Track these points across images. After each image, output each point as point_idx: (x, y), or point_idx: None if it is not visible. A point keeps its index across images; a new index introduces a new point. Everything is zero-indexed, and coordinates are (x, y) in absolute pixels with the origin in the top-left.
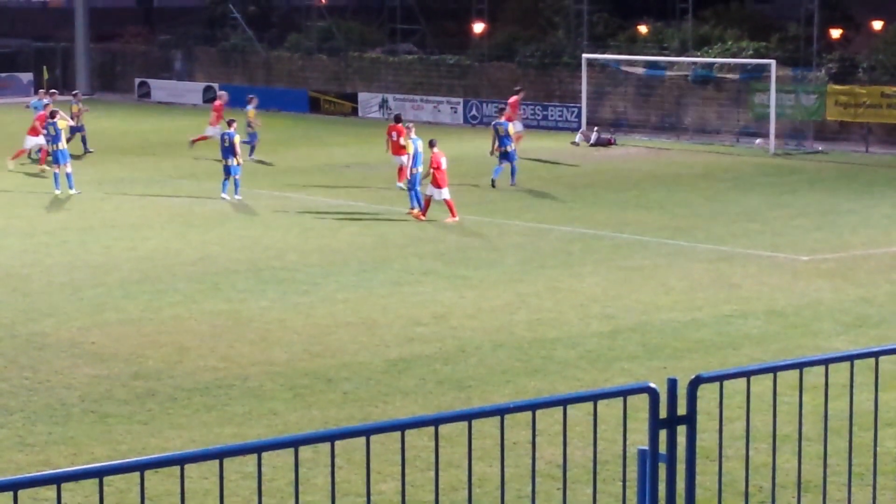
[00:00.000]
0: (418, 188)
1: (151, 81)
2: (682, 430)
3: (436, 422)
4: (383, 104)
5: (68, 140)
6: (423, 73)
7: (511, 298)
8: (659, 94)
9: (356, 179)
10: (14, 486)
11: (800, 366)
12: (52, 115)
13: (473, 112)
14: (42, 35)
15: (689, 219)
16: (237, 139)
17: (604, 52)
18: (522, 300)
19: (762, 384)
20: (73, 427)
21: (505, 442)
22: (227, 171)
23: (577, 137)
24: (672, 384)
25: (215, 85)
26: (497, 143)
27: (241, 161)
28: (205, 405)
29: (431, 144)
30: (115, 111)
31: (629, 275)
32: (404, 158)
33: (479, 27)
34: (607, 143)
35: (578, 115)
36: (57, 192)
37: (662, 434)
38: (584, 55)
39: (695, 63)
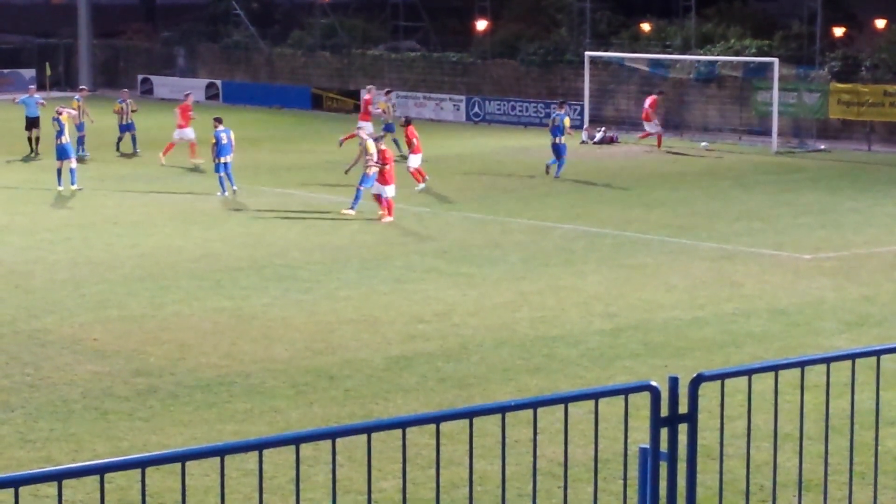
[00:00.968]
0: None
1: (154, 78)
2: (683, 429)
3: (437, 419)
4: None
5: (119, 140)
6: (425, 71)
7: (513, 296)
8: (661, 91)
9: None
10: (15, 483)
11: (801, 364)
12: (59, 111)
13: (476, 109)
14: (45, 31)
15: (692, 217)
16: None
17: (607, 50)
18: (524, 298)
19: (764, 383)
20: (74, 424)
21: (506, 440)
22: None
23: (584, 136)
24: (673, 382)
25: (218, 81)
26: (551, 135)
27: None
28: (206, 402)
29: (377, 140)
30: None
31: (631, 273)
32: (417, 158)
33: (482, 24)
34: (610, 141)
35: (581, 113)
36: (59, 188)
37: (664, 432)
38: (587, 53)
39: (698, 61)
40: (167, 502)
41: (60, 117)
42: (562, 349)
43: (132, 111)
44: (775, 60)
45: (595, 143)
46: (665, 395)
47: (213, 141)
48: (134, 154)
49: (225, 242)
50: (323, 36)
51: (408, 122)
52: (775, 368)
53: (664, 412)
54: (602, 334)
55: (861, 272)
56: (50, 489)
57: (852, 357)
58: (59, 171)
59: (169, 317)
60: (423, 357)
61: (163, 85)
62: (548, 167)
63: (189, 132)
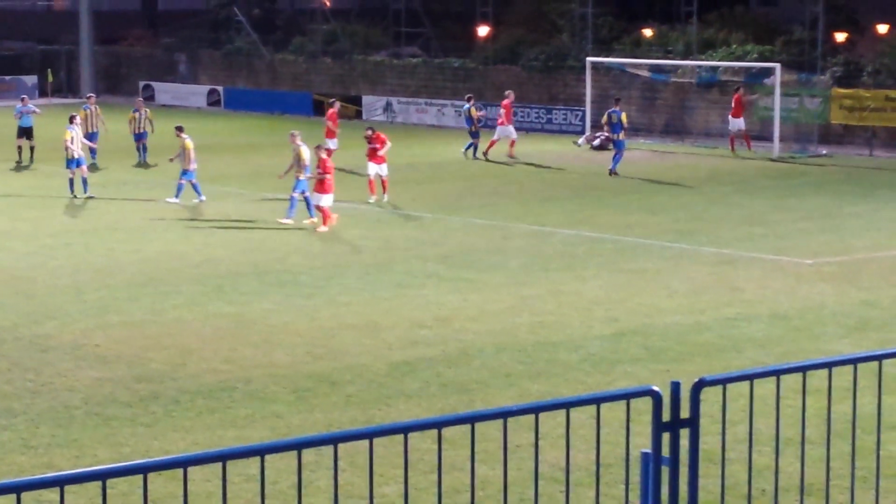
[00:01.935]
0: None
1: (156, 84)
2: (685, 433)
3: (439, 424)
4: (388, 107)
5: (143, 147)
6: (427, 77)
7: (514, 301)
8: (663, 97)
9: (359, 182)
10: (17, 489)
11: (803, 369)
12: (71, 119)
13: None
14: (47, 38)
15: (693, 222)
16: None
17: (608, 56)
18: (525, 303)
19: (765, 387)
20: (76, 429)
21: (508, 445)
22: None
23: (581, 140)
24: (675, 387)
25: (219, 88)
26: (609, 131)
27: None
28: (208, 408)
29: (318, 148)
30: (119, 114)
31: (632, 278)
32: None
33: (483, 30)
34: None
35: (583, 119)
36: (73, 196)
37: (665, 437)
38: (589, 58)
39: (699, 67)
40: None
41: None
42: (563, 354)
43: (148, 119)
44: (777, 66)
45: (594, 148)
46: (667, 400)
47: (189, 148)
48: (142, 164)
49: (226, 248)
50: (325, 42)
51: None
52: (777, 373)
53: (666, 417)
54: (603, 339)
55: (862, 277)
56: (52, 495)
57: (854, 362)
58: (72, 180)
59: (170, 322)
60: (424, 362)
61: (164, 91)
62: (611, 171)
63: (333, 142)
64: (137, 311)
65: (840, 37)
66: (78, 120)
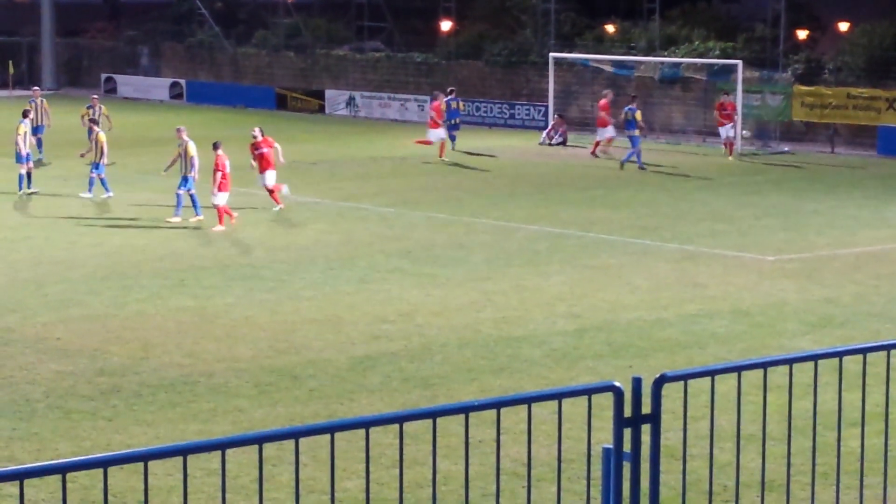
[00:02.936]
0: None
1: (118, 77)
2: (646, 429)
3: (401, 419)
4: (350, 102)
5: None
6: (390, 71)
7: (477, 297)
8: (626, 93)
9: (323, 177)
10: None
11: (764, 365)
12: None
13: None
14: (7, 29)
15: (656, 218)
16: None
17: (571, 52)
18: (488, 298)
19: (727, 383)
20: (37, 423)
21: (470, 440)
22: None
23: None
24: (637, 383)
25: (182, 81)
26: (624, 127)
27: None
28: (170, 402)
29: (215, 147)
30: (80, 106)
31: (595, 274)
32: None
33: (446, 25)
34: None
35: (546, 114)
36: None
37: (627, 433)
38: (552, 54)
39: (662, 63)
40: (130, 502)
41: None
42: (526, 349)
43: (104, 115)
44: (739, 63)
45: (553, 144)
46: (628, 396)
47: (101, 142)
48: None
49: (188, 241)
50: (287, 36)
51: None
52: (738, 369)
53: (627, 412)
54: (566, 335)
55: (824, 274)
56: (12, 488)
57: (815, 358)
58: (21, 175)
59: (132, 316)
60: (386, 357)
61: (126, 84)
62: (634, 164)
63: (441, 132)
64: (99, 305)
65: (802, 34)
66: (31, 115)
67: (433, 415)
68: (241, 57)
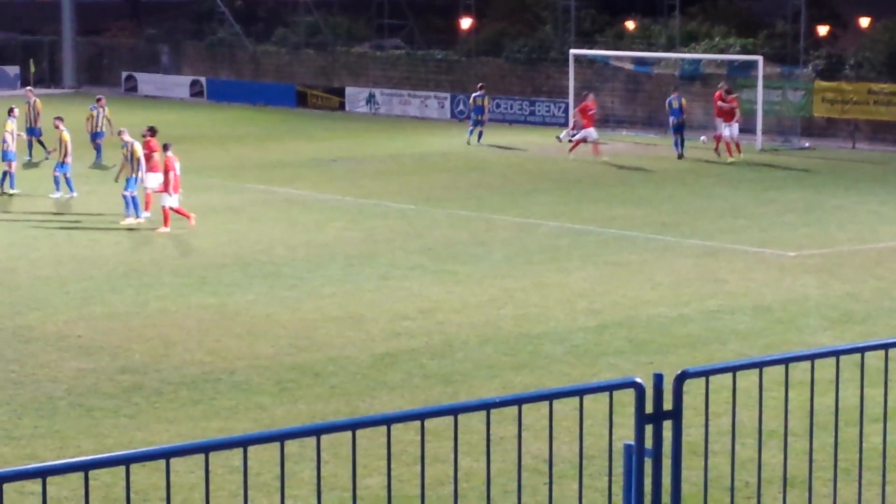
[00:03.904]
0: (135, 193)
1: (138, 75)
2: (668, 425)
3: (422, 416)
4: (371, 99)
5: (98, 148)
6: (410, 68)
7: (498, 293)
8: (646, 90)
9: (343, 174)
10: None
11: (786, 361)
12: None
13: (461, 107)
14: (29, 28)
15: (676, 214)
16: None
17: (591, 48)
18: (509, 295)
19: (748, 379)
20: (59, 421)
21: (491, 436)
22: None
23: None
24: (658, 379)
25: (202, 79)
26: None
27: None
28: (191, 399)
29: (165, 148)
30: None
31: (616, 270)
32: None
33: (466, 22)
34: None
35: (566, 111)
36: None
37: (648, 429)
38: (572, 51)
39: (682, 59)
40: (152, 499)
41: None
42: (546, 346)
43: (107, 119)
44: (760, 59)
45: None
46: (650, 392)
47: (65, 141)
48: (97, 165)
49: (209, 239)
50: (307, 34)
51: (152, 132)
52: (760, 365)
53: (649, 409)
54: (587, 331)
55: (845, 269)
56: (34, 486)
57: (836, 354)
58: (5, 173)
59: (153, 313)
60: (407, 354)
61: (147, 82)
62: (680, 154)
63: (593, 132)
64: (120, 303)
65: (822, 30)
66: (16, 112)
67: (454, 412)
68: (262, 55)
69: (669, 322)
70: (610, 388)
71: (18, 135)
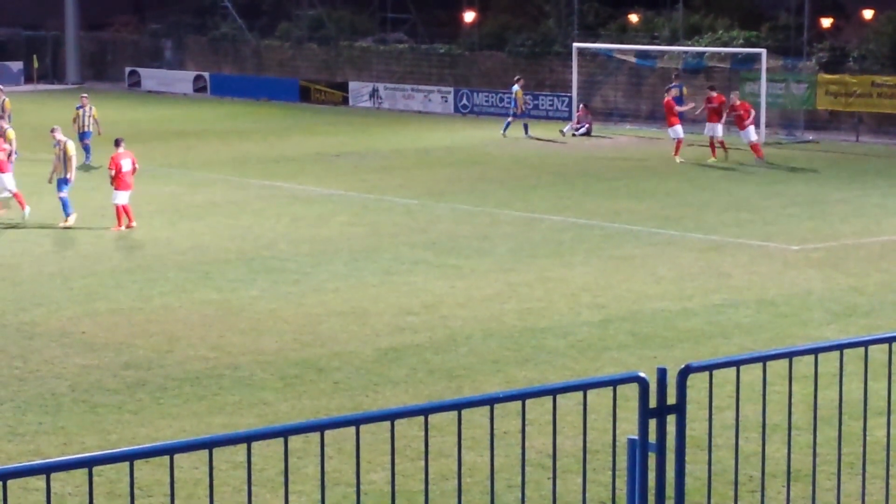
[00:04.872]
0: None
1: (142, 70)
2: (671, 420)
3: (426, 411)
4: (374, 93)
5: (87, 148)
6: (413, 63)
7: (502, 288)
8: (650, 83)
9: (347, 169)
10: (4, 476)
11: (790, 355)
12: None
13: (464, 101)
14: (32, 24)
15: (680, 208)
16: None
17: (594, 42)
18: (513, 290)
19: (752, 373)
20: (63, 417)
21: (495, 431)
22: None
23: (567, 128)
24: (662, 374)
25: (205, 74)
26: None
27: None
28: (195, 395)
29: (117, 144)
30: (105, 100)
31: (620, 264)
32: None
33: (469, 16)
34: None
35: (569, 105)
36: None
37: (652, 423)
38: (575, 44)
39: (685, 52)
40: (156, 495)
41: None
42: (550, 340)
43: (93, 119)
44: (763, 51)
45: (577, 134)
46: (654, 387)
47: (11, 139)
48: (86, 165)
49: (213, 234)
50: (311, 28)
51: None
52: (763, 359)
53: (653, 403)
54: (590, 325)
55: (849, 263)
56: (39, 482)
57: (840, 347)
58: None
59: (157, 309)
60: (411, 349)
61: (150, 77)
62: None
63: (679, 130)
64: (124, 298)
65: (826, 22)
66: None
67: (458, 406)
68: (265, 49)
69: (673, 316)
70: (614, 382)
71: None
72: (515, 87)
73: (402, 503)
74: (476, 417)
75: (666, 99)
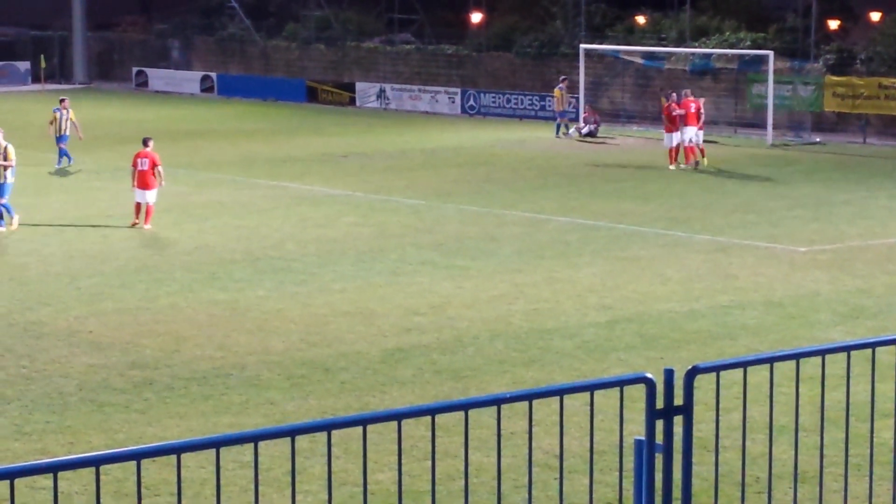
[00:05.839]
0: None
1: (149, 70)
2: (678, 421)
3: (433, 411)
4: (381, 94)
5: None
6: (420, 63)
7: (508, 289)
8: (657, 84)
9: (353, 169)
10: (11, 475)
11: (797, 356)
12: None
13: (471, 102)
14: (40, 23)
15: (687, 209)
16: None
17: (601, 43)
18: (520, 290)
19: (759, 375)
20: (70, 416)
21: (502, 432)
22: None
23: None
24: (669, 374)
25: (212, 74)
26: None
27: None
28: (202, 394)
29: (144, 143)
30: (112, 100)
31: (626, 265)
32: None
33: (476, 17)
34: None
35: (576, 106)
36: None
37: (659, 424)
38: (582, 45)
39: (692, 54)
40: (163, 494)
41: None
42: (557, 341)
43: (72, 122)
44: (770, 53)
45: (583, 136)
46: (660, 388)
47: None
48: (60, 171)
49: (220, 234)
50: (318, 28)
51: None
52: (770, 361)
53: (660, 404)
54: (597, 326)
55: (856, 264)
56: (46, 481)
57: (847, 349)
58: None
59: (164, 309)
60: (418, 349)
61: (157, 77)
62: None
63: (676, 136)
64: (131, 298)
65: (833, 24)
66: None
67: (465, 407)
68: (272, 50)
69: (680, 317)
70: (621, 383)
71: None
72: (560, 87)
73: (408, 503)
74: (483, 418)
75: (665, 105)
